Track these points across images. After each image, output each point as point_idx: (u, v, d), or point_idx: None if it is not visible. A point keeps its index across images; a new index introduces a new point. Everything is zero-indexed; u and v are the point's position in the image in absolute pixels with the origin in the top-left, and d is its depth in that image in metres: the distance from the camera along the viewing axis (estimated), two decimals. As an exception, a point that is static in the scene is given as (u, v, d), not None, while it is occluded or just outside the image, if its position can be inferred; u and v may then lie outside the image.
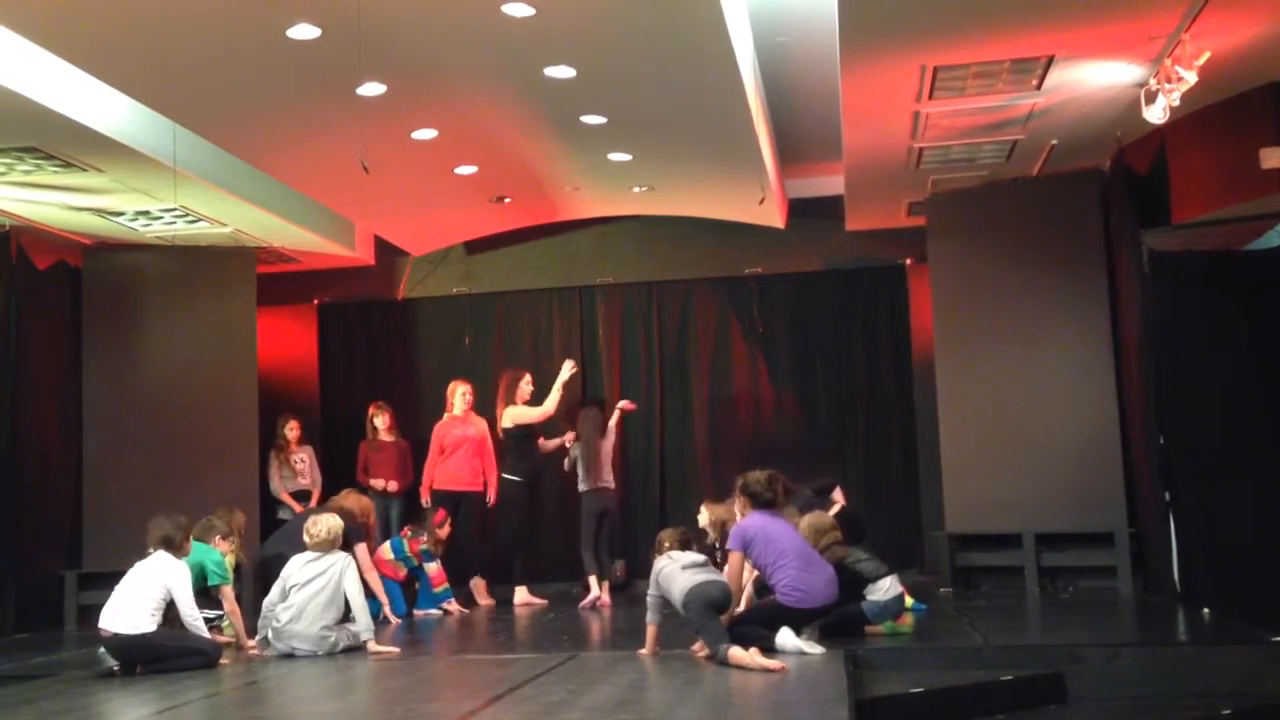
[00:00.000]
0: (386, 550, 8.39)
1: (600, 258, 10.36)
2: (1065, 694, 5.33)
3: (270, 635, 6.52)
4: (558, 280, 10.45)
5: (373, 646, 6.43)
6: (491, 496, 9.32)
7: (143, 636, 5.94)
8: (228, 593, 6.69)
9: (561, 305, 10.47)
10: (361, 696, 5.40)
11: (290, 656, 6.41)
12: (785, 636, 5.61)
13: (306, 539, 6.62)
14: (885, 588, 6.35)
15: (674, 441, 10.20)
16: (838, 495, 8.18)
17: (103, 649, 6.15)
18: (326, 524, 6.62)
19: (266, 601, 6.60)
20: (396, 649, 6.55)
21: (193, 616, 6.11)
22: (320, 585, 6.47)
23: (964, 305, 8.72)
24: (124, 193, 7.80)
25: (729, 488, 6.89)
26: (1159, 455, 7.56)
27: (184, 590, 6.09)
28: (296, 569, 6.55)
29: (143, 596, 5.99)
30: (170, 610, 6.10)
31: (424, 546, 8.35)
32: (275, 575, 6.75)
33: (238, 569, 7.82)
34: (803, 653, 5.52)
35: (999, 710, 5.15)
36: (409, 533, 8.48)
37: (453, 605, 8.44)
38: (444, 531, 8.65)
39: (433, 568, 8.38)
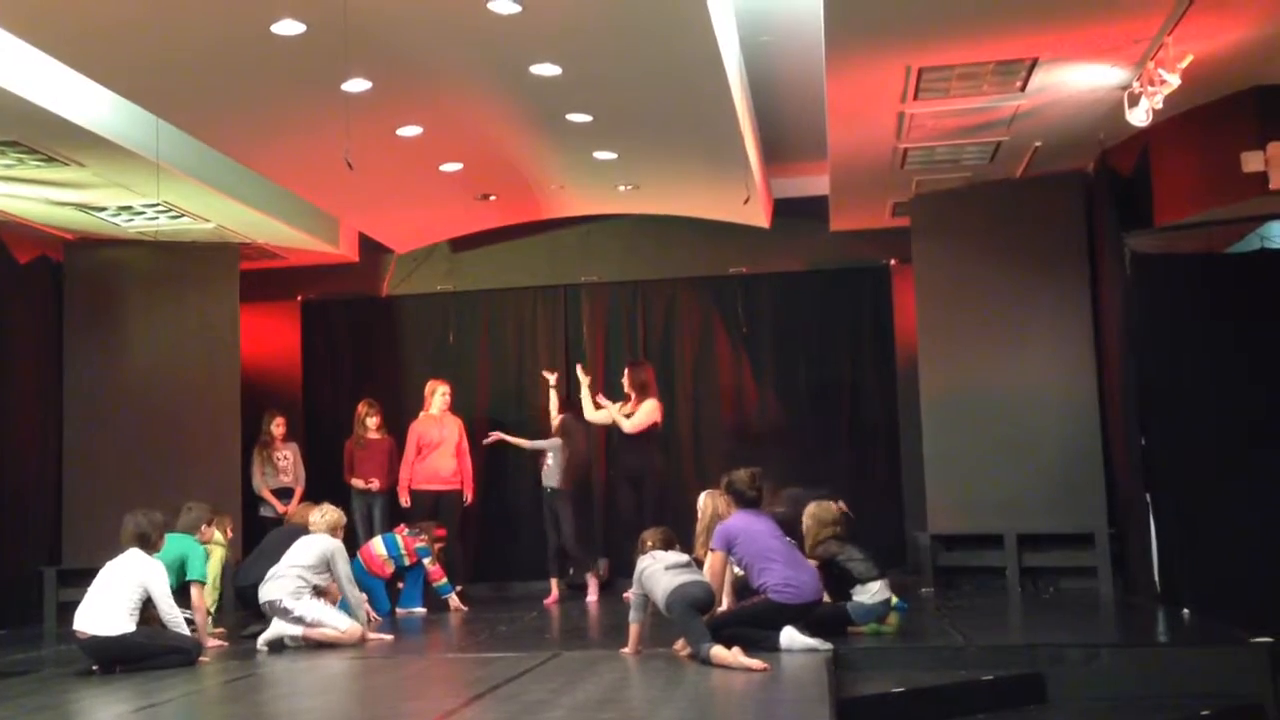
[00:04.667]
0: (378, 545, 8.34)
1: (585, 256, 10.35)
2: (1045, 694, 5.37)
3: (260, 596, 6.68)
4: (543, 278, 10.43)
5: (354, 632, 6.62)
6: (469, 496, 9.34)
7: (122, 637, 5.90)
8: (197, 590, 6.57)
9: (546, 303, 10.46)
10: (342, 694, 5.39)
11: (266, 625, 6.60)
12: (790, 636, 5.60)
13: (310, 524, 6.97)
14: (873, 591, 6.30)
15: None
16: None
17: (80, 650, 6.09)
18: (335, 515, 7.02)
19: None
20: (389, 636, 6.79)
21: (172, 615, 6.08)
22: (307, 547, 6.77)
23: (947, 306, 8.74)
24: (106, 187, 7.76)
25: (713, 486, 6.90)
26: (1140, 456, 7.60)
27: (161, 588, 6.06)
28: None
29: (120, 597, 5.95)
30: (147, 608, 6.06)
31: (420, 545, 8.32)
32: (254, 601, 6.89)
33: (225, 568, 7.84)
34: (814, 650, 5.52)
35: (980, 710, 5.18)
36: (405, 531, 8.44)
37: (454, 599, 8.44)
38: (439, 547, 8.62)
39: (431, 564, 8.36)
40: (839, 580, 6.27)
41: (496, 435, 9.24)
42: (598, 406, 9.13)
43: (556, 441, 8.93)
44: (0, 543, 8.38)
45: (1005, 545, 8.32)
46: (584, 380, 9.26)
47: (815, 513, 6.54)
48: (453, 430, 9.37)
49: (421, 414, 9.42)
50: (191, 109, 6.71)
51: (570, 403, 9.34)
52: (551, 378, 9.40)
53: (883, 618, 6.38)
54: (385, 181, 8.17)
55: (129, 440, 8.98)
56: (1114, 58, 6.26)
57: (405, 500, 9.19)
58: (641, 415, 8.93)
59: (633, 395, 9.11)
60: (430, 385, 9.46)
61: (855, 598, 6.30)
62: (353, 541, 8.64)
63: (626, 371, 9.24)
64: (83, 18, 5.37)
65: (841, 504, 8.12)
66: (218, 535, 7.62)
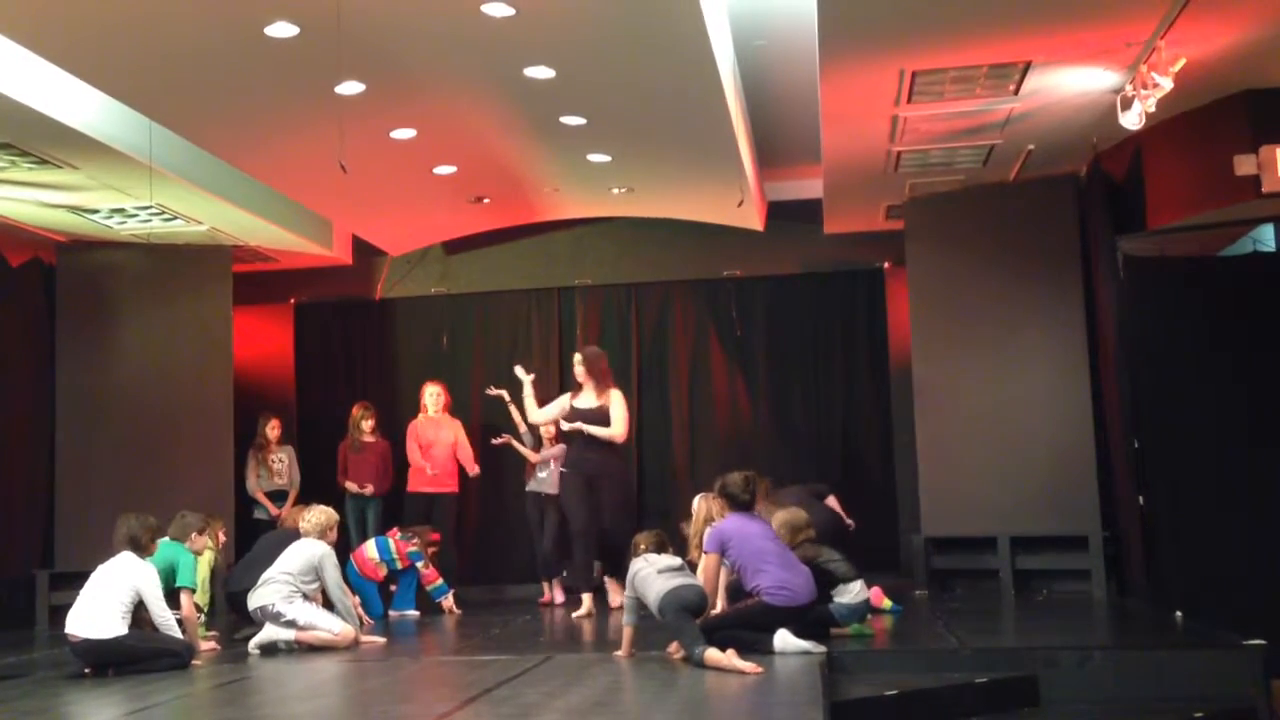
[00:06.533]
0: (371, 549, 8.31)
1: (579, 259, 10.36)
2: (1038, 697, 5.37)
3: (249, 603, 6.71)
4: (536, 281, 10.44)
5: (347, 635, 6.62)
6: (473, 468, 9.34)
7: (114, 640, 5.88)
8: (186, 598, 6.45)
9: (540, 306, 10.46)
10: (336, 698, 5.37)
11: (259, 628, 6.63)
12: (784, 638, 5.60)
13: (301, 524, 6.97)
14: (855, 590, 6.36)
15: (651, 443, 10.20)
16: (832, 503, 8.20)
17: (72, 653, 6.06)
18: (325, 516, 6.97)
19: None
20: (382, 639, 6.79)
21: (164, 618, 6.06)
22: (295, 554, 6.77)
23: (941, 308, 8.75)
24: (99, 190, 7.75)
25: (706, 489, 6.90)
26: (1133, 459, 7.61)
27: (154, 591, 6.03)
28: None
29: (112, 600, 5.92)
30: (139, 611, 6.04)
31: (413, 549, 8.30)
32: (246, 607, 6.88)
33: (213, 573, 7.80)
34: (807, 653, 5.52)
35: (973, 713, 5.18)
36: (398, 534, 8.42)
37: (449, 601, 8.43)
38: (433, 551, 8.60)
39: (425, 567, 8.34)
40: (818, 583, 6.28)
41: (506, 438, 9.24)
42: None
43: (562, 448, 8.91)
44: (-8, 546, 8.37)
45: (999, 548, 8.32)
46: (526, 380, 8.30)
47: (787, 520, 6.54)
48: (449, 432, 9.38)
49: (420, 415, 9.43)
50: (184, 111, 6.70)
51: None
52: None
53: (863, 617, 6.41)
54: (379, 184, 8.16)
55: (121, 443, 8.96)
56: (1107, 61, 6.28)
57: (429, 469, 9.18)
58: (622, 411, 8.03)
59: (588, 384, 8.06)
60: (424, 387, 9.49)
61: (837, 599, 6.32)
62: (346, 544, 8.65)
63: (583, 359, 8.16)
64: (75, 19, 5.36)
65: (833, 501, 8.22)
66: (207, 539, 7.59)
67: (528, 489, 9.17)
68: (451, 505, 9.31)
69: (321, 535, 6.89)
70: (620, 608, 7.65)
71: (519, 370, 8.41)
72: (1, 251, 8.68)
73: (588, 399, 8.08)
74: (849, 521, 8.24)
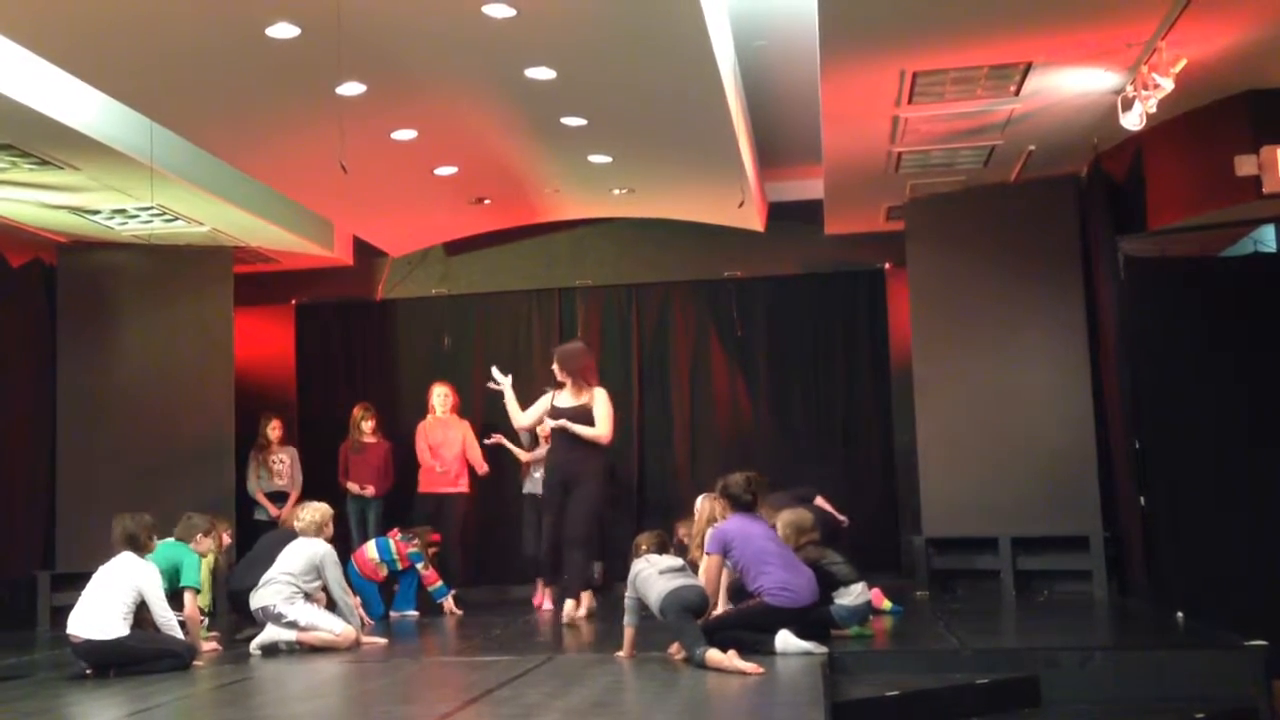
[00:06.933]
0: (371, 549, 8.31)
1: (579, 260, 10.36)
2: (1039, 697, 5.37)
3: (251, 604, 6.69)
4: (537, 282, 10.44)
5: (348, 636, 6.61)
6: (482, 467, 9.31)
7: (116, 641, 5.87)
8: (190, 598, 6.48)
9: (540, 307, 10.47)
10: (337, 698, 5.38)
11: (260, 629, 6.62)
12: (785, 639, 5.61)
13: (296, 524, 6.94)
14: (856, 593, 6.36)
15: (652, 444, 10.20)
16: (821, 503, 8.21)
17: (73, 654, 6.06)
18: (320, 514, 6.95)
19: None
20: (383, 640, 6.79)
21: (166, 617, 6.06)
22: (296, 553, 6.74)
23: (942, 309, 8.75)
24: (100, 191, 7.75)
25: (707, 490, 6.90)
26: (1134, 459, 7.61)
27: (155, 591, 6.03)
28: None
29: (114, 600, 5.92)
30: (141, 611, 6.04)
31: (413, 550, 8.29)
32: (247, 606, 6.87)
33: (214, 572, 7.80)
34: (808, 653, 5.52)
35: (974, 713, 5.19)
36: (398, 535, 8.41)
37: (449, 602, 8.42)
38: (433, 551, 8.59)
39: (424, 569, 8.34)
40: (820, 585, 6.28)
41: (498, 438, 9.22)
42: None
43: None
44: (-7, 546, 8.37)
45: (1000, 548, 8.32)
46: (505, 382, 7.83)
47: (792, 520, 6.54)
48: (457, 432, 9.39)
49: (428, 416, 9.44)
50: (185, 112, 6.70)
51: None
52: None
53: (864, 619, 6.41)
54: (379, 185, 8.16)
55: (123, 444, 8.95)
56: (1108, 62, 6.28)
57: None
58: (606, 410, 7.66)
59: (567, 382, 7.72)
60: (431, 388, 9.51)
61: (838, 600, 6.32)
62: (347, 545, 8.65)
63: (556, 357, 7.83)
64: (78, 20, 5.36)
65: (821, 502, 8.21)
66: (212, 541, 7.59)
67: (524, 490, 9.16)
68: (460, 506, 9.33)
69: (318, 532, 6.86)
70: (569, 623, 7.61)
71: (495, 372, 7.94)
72: (2, 252, 8.68)
73: (567, 398, 7.75)
74: (841, 519, 8.22)
